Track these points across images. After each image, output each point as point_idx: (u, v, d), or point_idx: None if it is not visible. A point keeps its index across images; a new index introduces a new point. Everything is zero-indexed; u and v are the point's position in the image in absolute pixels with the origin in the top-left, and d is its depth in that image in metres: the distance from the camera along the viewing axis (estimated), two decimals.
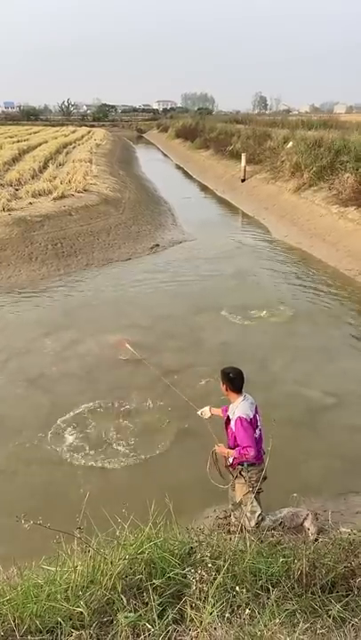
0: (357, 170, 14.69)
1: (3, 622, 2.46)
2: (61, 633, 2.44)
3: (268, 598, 2.63)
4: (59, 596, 2.58)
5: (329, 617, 2.59)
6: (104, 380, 7.00)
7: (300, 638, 2.42)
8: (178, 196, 21.60)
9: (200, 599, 2.55)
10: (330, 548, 3.12)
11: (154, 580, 2.65)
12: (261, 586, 2.74)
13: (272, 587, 2.73)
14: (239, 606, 2.58)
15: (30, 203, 14.67)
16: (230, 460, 4.03)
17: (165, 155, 43.11)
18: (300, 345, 8.11)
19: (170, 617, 2.50)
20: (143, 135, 69.58)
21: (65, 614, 2.50)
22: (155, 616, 2.48)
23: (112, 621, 2.51)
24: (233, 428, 3.98)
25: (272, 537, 3.55)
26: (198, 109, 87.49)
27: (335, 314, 9.45)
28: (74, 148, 31.66)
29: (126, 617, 2.46)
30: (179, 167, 33.85)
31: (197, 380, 6.85)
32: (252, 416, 3.96)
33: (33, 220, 13.33)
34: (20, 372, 7.22)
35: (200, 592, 2.57)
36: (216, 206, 20.55)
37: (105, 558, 2.75)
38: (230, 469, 4.11)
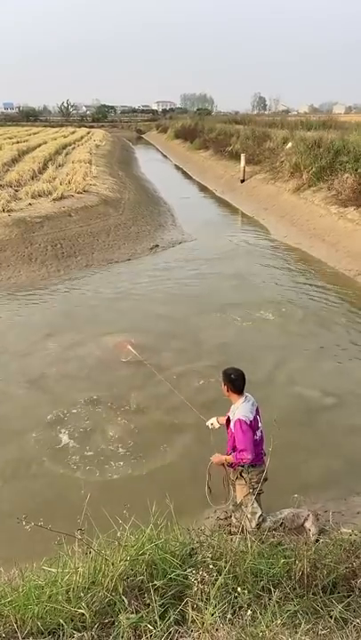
0: (357, 170, 14.70)
1: (5, 624, 2.47)
2: (63, 634, 2.44)
3: (270, 599, 2.63)
4: (60, 597, 2.58)
5: (331, 618, 2.59)
6: (105, 380, 7.00)
7: (302, 639, 2.42)
8: (177, 197, 21.60)
9: (202, 600, 2.55)
10: (331, 548, 3.12)
11: (155, 581, 2.65)
12: (263, 587, 2.74)
13: (273, 587, 2.73)
14: (241, 607, 2.59)
15: (30, 204, 14.67)
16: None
17: (165, 155, 43.12)
18: (301, 345, 8.11)
19: (171, 618, 2.51)
20: (142, 136, 69.58)
21: (66, 616, 2.50)
22: (156, 617, 2.48)
23: (113, 623, 2.51)
24: (233, 429, 3.98)
25: (273, 538, 3.55)
26: (197, 110, 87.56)
27: (335, 314, 9.45)
28: (73, 148, 31.64)
29: (128, 618, 2.47)
30: (178, 168, 33.86)
31: (198, 380, 6.85)
32: (251, 418, 3.94)
33: (32, 220, 13.33)
34: (19, 374, 7.22)
35: (202, 593, 2.58)
36: (216, 207, 20.55)
37: (106, 559, 2.75)
38: (231, 470, 4.11)
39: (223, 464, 4.05)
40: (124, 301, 10.13)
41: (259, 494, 4.02)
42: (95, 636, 2.43)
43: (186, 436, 5.70)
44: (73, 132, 47.19)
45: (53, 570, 2.82)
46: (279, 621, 2.46)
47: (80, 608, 2.50)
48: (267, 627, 2.44)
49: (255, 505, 4.01)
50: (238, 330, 8.70)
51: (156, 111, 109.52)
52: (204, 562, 2.80)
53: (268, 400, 6.01)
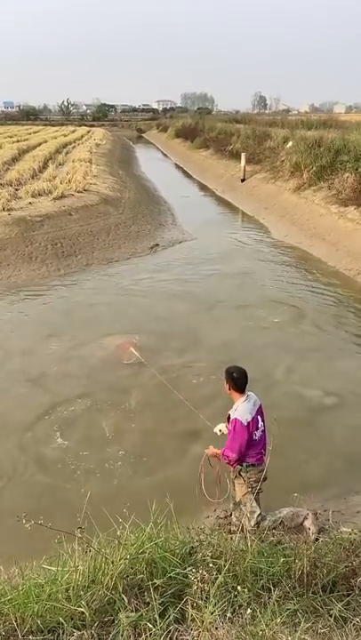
0: (357, 169, 14.68)
1: (4, 622, 2.47)
2: (63, 633, 2.44)
3: (270, 598, 2.63)
4: (60, 595, 2.58)
5: (330, 616, 2.59)
6: (105, 380, 7.00)
7: (302, 638, 2.42)
8: (178, 196, 21.60)
9: (201, 599, 2.55)
10: (331, 547, 3.12)
11: (155, 580, 2.65)
12: (263, 585, 2.74)
13: (273, 586, 2.73)
14: (240, 606, 2.59)
15: (30, 202, 14.66)
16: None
17: (165, 154, 43.10)
18: (301, 344, 8.11)
19: (171, 616, 2.51)
20: (143, 135, 69.55)
21: (66, 614, 2.50)
22: (156, 616, 2.48)
23: (113, 621, 2.51)
24: (229, 426, 3.97)
25: (273, 537, 3.55)
26: (198, 109, 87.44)
27: (335, 313, 9.45)
28: (73, 147, 31.63)
29: (127, 616, 2.47)
30: (178, 167, 33.84)
31: (198, 380, 6.85)
32: (250, 419, 3.88)
33: (33, 219, 13.32)
34: (20, 373, 7.22)
35: (201, 592, 2.58)
36: (216, 206, 20.55)
37: (106, 558, 2.75)
38: (231, 468, 4.11)
39: (217, 456, 4.06)
40: (125, 301, 10.12)
41: (258, 493, 4.01)
42: (95, 635, 2.43)
43: (186, 435, 5.70)
44: (73, 131, 47.15)
45: (53, 568, 2.82)
46: (279, 620, 2.46)
47: (80, 606, 2.50)
48: (266, 625, 2.44)
49: (254, 504, 4.01)
50: (239, 329, 8.69)
51: (157, 110, 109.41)
52: (204, 560, 2.80)
53: (269, 399, 6.00)
